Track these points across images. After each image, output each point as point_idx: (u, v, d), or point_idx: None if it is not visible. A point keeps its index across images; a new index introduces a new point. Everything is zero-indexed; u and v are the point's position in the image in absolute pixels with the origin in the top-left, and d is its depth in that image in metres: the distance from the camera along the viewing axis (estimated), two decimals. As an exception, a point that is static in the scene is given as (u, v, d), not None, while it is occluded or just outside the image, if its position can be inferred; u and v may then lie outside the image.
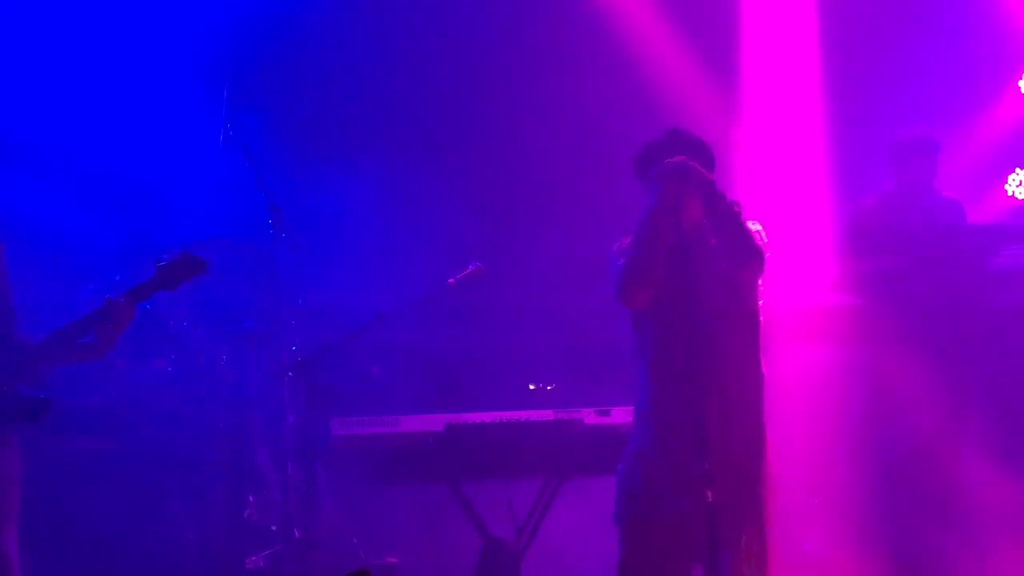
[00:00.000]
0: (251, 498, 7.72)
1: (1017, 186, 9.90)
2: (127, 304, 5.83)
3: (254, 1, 8.97)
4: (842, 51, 9.31)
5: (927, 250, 7.67)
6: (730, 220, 5.09)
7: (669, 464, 5.09)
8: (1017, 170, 9.90)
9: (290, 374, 7.60)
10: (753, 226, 5.24)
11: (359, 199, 9.06)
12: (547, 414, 7.08)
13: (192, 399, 7.72)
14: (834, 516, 7.54)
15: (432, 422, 6.95)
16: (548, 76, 9.40)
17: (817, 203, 8.67)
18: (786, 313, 7.71)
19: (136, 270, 7.78)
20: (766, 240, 5.29)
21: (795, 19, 9.29)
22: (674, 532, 5.07)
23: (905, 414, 7.56)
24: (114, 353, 7.65)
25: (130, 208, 8.57)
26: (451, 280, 7.42)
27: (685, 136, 5.29)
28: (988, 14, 9.67)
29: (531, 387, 8.32)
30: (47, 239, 8.20)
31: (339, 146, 9.17)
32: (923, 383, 7.50)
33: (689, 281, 5.06)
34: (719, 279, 5.13)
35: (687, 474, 4.95)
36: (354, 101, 9.24)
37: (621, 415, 6.61)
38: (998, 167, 9.84)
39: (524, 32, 9.44)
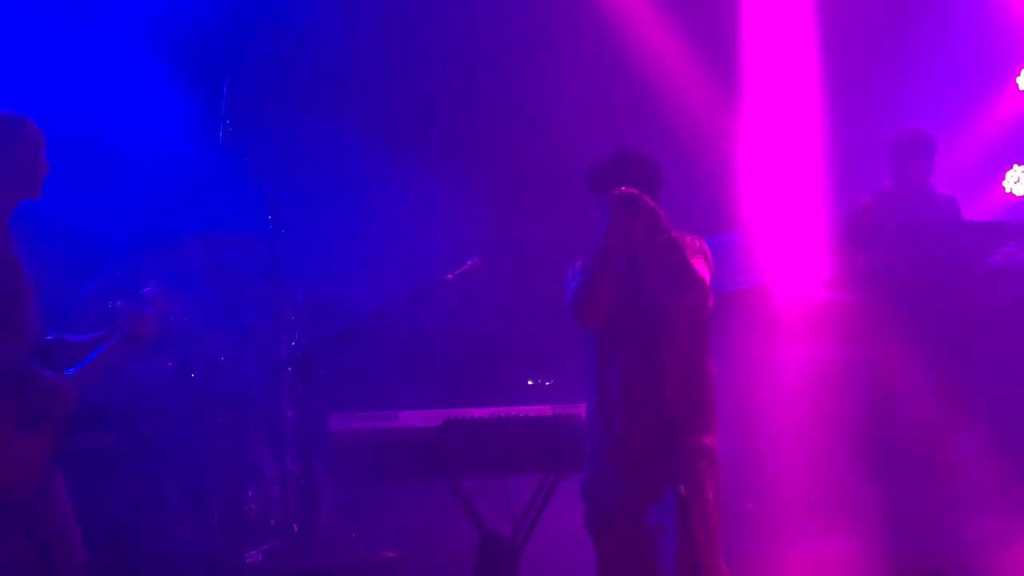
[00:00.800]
0: (250, 493, 7.73)
1: (1015, 183, 9.93)
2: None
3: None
4: (840, 48, 9.33)
5: (924, 247, 7.69)
6: (669, 253, 5.32)
7: (636, 460, 5.37)
8: (1015, 167, 9.93)
9: (289, 369, 7.61)
10: (696, 245, 5.46)
11: (358, 194, 9.09)
12: (545, 409, 7.10)
13: (191, 394, 7.73)
14: (831, 512, 7.54)
15: (431, 417, 6.96)
16: (549, 72, 9.43)
17: (815, 199, 8.69)
18: (783, 309, 7.74)
19: (139, 265, 7.84)
20: (709, 257, 5.49)
21: (794, 17, 9.30)
22: (645, 529, 5.33)
23: (902, 410, 7.57)
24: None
25: (132, 204, 8.59)
26: (449, 275, 7.42)
27: (633, 156, 5.53)
28: (986, 11, 9.69)
29: (529, 382, 8.34)
30: (50, 234, 8.21)
31: (339, 142, 9.18)
32: (920, 379, 7.51)
33: (637, 298, 5.41)
34: (658, 303, 5.41)
35: (656, 468, 5.28)
36: (353, 96, 9.25)
37: (619, 411, 6.61)
38: (996, 164, 9.87)
39: (526, 28, 9.47)
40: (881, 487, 7.58)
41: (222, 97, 7.76)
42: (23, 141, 5.51)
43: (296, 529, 7.41)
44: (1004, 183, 9.92)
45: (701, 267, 5.37)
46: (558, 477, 6.90)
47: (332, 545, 7.48)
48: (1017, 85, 9.86)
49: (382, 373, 8.45)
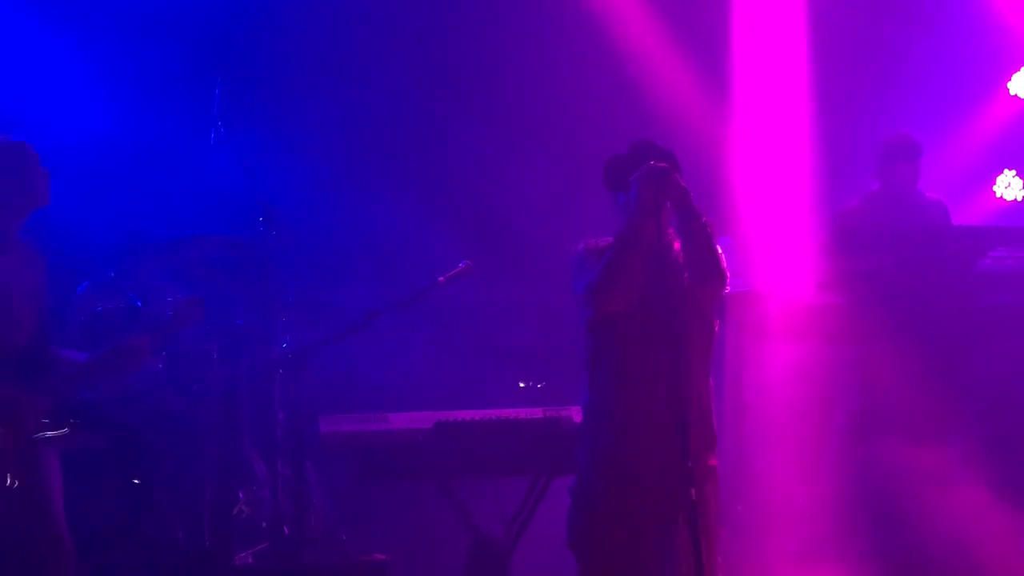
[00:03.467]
0: (241, 495, 7.72)
1: (1005, 187, 9.95)
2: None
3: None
4: (831, 52, 9.35)
5: (912, 250, 7.71)
6: (699, 238, 5.11)
7: (644, 465, 5.11)
8: (1005, 171, 9.95)
9: (280, 371, 7.61)
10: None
11: (350, 197, 9.09)
12: (536, 412, 7.11)
13: (183, 396, 7.72)
14: (820, 513, 7.56)
15: (421, 419, 6.97)
16: (539, 77, 9.44)
17: (804, 203, 8.71)
18: (773, 313, 7.76)
19: (130, 267, 7.85)
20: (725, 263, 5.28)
21: (785, 22, 9.32)
22: (646, 534, 5.11)
23: (891, 413, 7.59)
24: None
25: (123, 205, 8.59)
26: (441, 278, 7.43)
27: (656, 147, 5.29)
28: (977, 16, 9.71)
29: (521, 385, 8.35)
30: (41, 236, 8.20)
31: (332, 144, 9.19)
32: (909, 382, 7.52)
33: (659, 286, 5.07)
34: (681, 289, 5.14)
35: (666, 473, 5.01)
36: (344, 100, 9.26)
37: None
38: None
39: (517, 31, 9.47)
40: (869, 489, 7.59)
41: (214, 98, 7.77)
42: (26, 164, 5.79)
43: (286, 531, 7.41)
44: (994, 188, 9.95)
45: (723, 262, 5.15)
46: (549, 479, 6.92)
47: (322, 547, 7.47)
48: (1008, 90, 9.88)
49: (373, 375, 8.45)
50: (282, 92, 9.18)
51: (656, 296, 5.10)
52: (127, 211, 8.50)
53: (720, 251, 5.24)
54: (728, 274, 5.20)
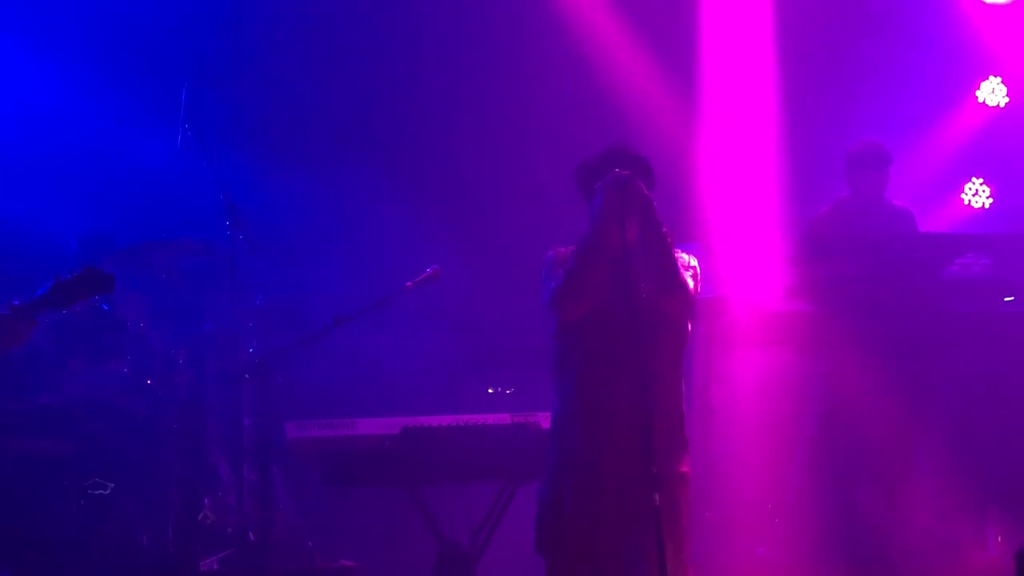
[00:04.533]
0: (206, 501, 7.68)
1: (972, 195, 10.00)
2: (13, 318, 5.60)
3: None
4: (800, 60, 9.38)
5: (880, 257, 7.72)
6: (658, 249, 5.13)
7: (610, 468, 5.13)
8: (973, 179, 10.00)
9: (247, 376, 7.57)
10: (687, 260, 5.28)
11: (317, 202, 9.06)
12: (504, 418, 7.08)
13: (149, 401, 7.69)
14: (789, 520, 7.56)
15: (388, 425, 6.93)
16: (507, 83, 9.43)
17: (773, 210, 8.72)
18: (742, 319, 7.76)
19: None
20: (698, 275, 5.32)
21: (754, 29, 9.34)
22: (611, 542, 5.12)
23: (859, 419, 7.61)
24: (70, 354, 7.68)
25: (88, 209, 8.54)
26: (409, 283, 7.41)
27: (627, 152, 5.32)
28: (946, 25, 9.76)
29: (490, 391, 8.33)
30: (4, 239, 8.16)
31: (298, 149, 9.16)
32: (877, 389, 7.54)
33: (624, 293, 5.10)
34: (650, 305, 5.15)
35: (632, 477, 5.03)
36: (313, 103, 9.23)
37: (577, 419, 6.60)
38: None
39: (487, 35, 9.46)
40: (838, 495, 7.60)
41: (181, 102, 7.73)
42: None
43: (252, 537, 7.36)
44: (962, 195, 9.99)
45: (686, 276, 5.18)
46: (516, 485, 6.90)
47: (289, 553, 7.45)
48: (976, 98, 9.93)
49: (340, 381, 8.41)
50: (249, 95, 9.13)
51: (621, 302, 5.12)
52: (94, 214, 8.46)
53: (687, 261, 5.26)
54: (688, 285, 5.20)
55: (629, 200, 5.09)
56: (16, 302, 5.60)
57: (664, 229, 5.16)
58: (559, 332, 5.32)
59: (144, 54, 8.84)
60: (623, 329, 5.11)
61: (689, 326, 5.33)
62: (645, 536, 4.97)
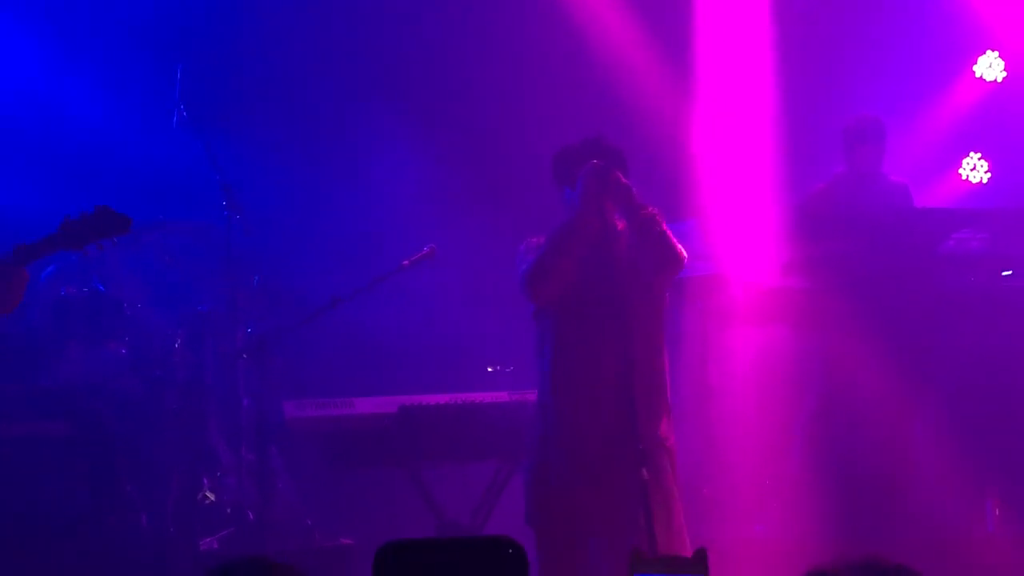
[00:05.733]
0: (205, 480, 7.70)
1: (971, 170, 9.99)
2: (14, 261, 5.33)
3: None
4: (796, 34, 9.34)
5: (876, 233, 7.72)
6: (648, 228, 5.31)
7: (593, 438, 5.28)
8: (971, 154, 9.98)
9: (244, 357, 7.58)
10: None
11: (313, 181, 9.05)
12: (502, 395, 7.11)
13: (147, 382, 7.70)
14: (787, 497, 7.57)
15: (386, 404, 6.96)
16: (503, 65, 9.41)
17: (769, 186, 8.70)
18: (738, 297, 7.76)
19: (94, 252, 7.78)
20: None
21: (749, 4, 9.30)
22: (599, 513, 5.27)
23: (857, 396, 7.61)
24: (68, 336, 7.68)
25: (84, 190, 8.52)
26: (406, 261, 7.41)
27: (603, 144, 5.49)
28: (943, -1, 9.73)
29: (489, 369, 8.34)
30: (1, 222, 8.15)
31: (293, 129, 9.15)
32: (874, 365, 7.54)
33: (604, 273, 5.31)
34: (636, 278, 5.36)
35: (614, 447, 5.18)
36: (310, 85, 9.21)
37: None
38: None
39: (483, 22, 9.43)
40: (836, 472, 7.61)
41: (176, 82, 7.72)
42: None
43: (251, 517, 7.39)
44: (960, 170, 9.98)
45: (681, 248, 5.38)
46: (515, 464, 6.91)
47: (288, 532, 7.46)
48: (973, 72, 9.91)
49: (338, 360, 8.42)
50: (245, 76, 9.12)
51: (602, 284, 5.31)
52: (90, 196, 8.44)
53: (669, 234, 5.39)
54: (684, 255, 5.38)
55: (607, 188, 5.28)
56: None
57: (649, 209, 5.34)
58: (536, 314, 5.53)
59: (137, 32, 8.81)
60: (601, 307, 5.30)
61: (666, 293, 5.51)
62: (632, 507, 5.09)
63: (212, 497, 7.62)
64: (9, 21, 8.63)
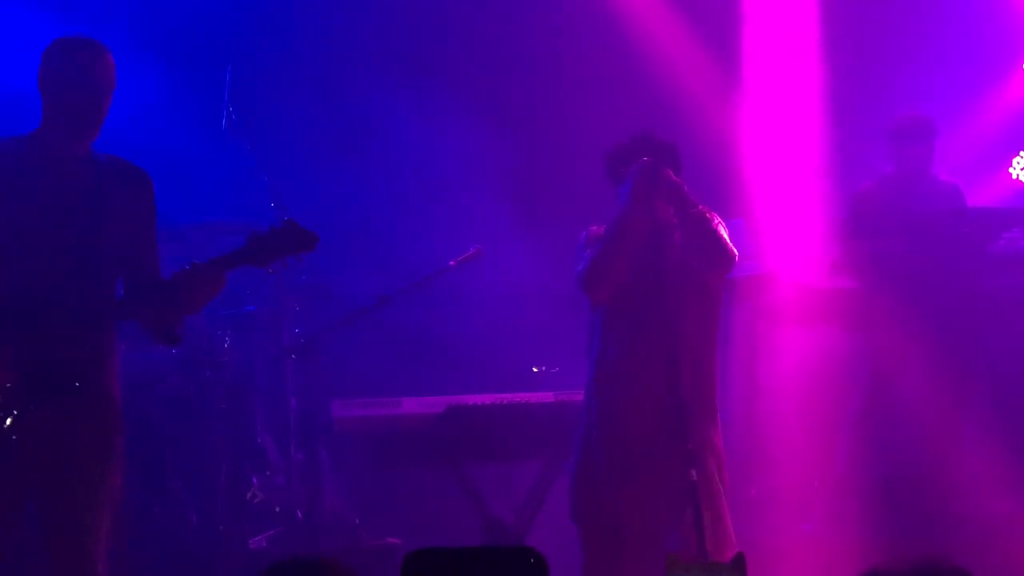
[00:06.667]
0: (254, 480, 7.75)
1: (1021, 169, 9.89)
2: (211, 269, 5.12)
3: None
4: (844, 33, 9.28)
5: (926, 233, 7.67)
6: (699, 226, 5.26)
7: (640, 439, 5.26)
8: (1021, 153, 9.89)
9: (292, 357, 7.63)
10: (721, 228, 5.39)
11: (361, 181, 9.08)
12: (547, 396, 7.12)
13: (196, 383, 7.74)
14: (834, 496, 7.53)
15: (433, 404, 6.99)
16: (556, 63, 9.40)
17: (818, 186, 8.67)
18: (787, 296, 7.73)
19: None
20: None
21: (797, 1, 9.27)
22: (641, 512, 5.26)
23: (905, 396, 7.57)
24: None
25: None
26: (452, 262, 7.43)
27: (655, 140, 5.47)
28: (994, -5, 9.64)
29: (535, 369, 8.34)
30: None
31: (342, 126, 9.18)
32: (923, 365, 7.50)
33: (656, 272, 5.28)
34: (687, 276, 5.33)
35: (662, 449, 5.17)
36: (353, 85, 9.24)
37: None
38: (1002, 150, 9.82)
39: (534, 19, 9.43)
40: (883, 472, 7.58)
41: (225, 84, 7.77)
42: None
43: (300, 516, 7.43)
44: (1010, 169, 9.88)
45: (733, 247, 5.34)
46: (561, 464, 6.91)
47: (336, 531, 7.50)
48: (1024, 70, 9.82)
49: (385, 360, 8.45)
50: (289, 76, 9.16)
51: (652, 281, 5.28)
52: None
53: (723, 232, 5.34)
54: (735, 253, 5.34)
55: (658, 186, 5.24)
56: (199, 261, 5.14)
57: (700, 207, 5.29)
58: (591, 310, 5.50)
59: (188, 31, 8.87)
60: (651, 306, 5.27)
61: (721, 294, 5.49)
62: (675, 508, 5.10)
63: (261, 496, 7.67)
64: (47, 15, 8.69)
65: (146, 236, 5.00)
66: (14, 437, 4.67)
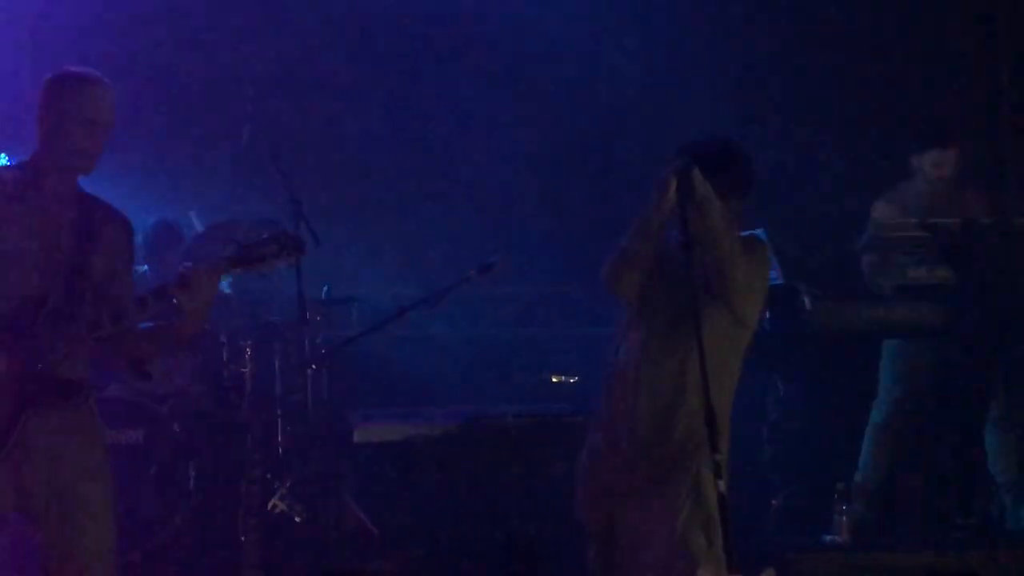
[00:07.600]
0: (276, 490, 7.76)
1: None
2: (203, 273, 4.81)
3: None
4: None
5: (946, 242, 7.62)
6: (709, 251, 4.95)
7: (622, 457, 5.12)
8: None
9: (313, 367, 7.64)
10: (749, 252, 5.08)
11: (382, 192, 9.10)
12: (567, 408, 7.13)
13: (218, 392, 7.77)
14: (856, 506, 7.50)
15: (455, 415, 7.00)
16: (579, 69, 9.41)
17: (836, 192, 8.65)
18: (807, 305, 7.70)
19: (160, 255, 7.90)
20: (769, 262, 5.23)
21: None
22: (627, 510, 5.11)
23: (928, 404, 7.57)
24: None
25: (155, 199, 8.63)
26: (472, 271, 7.44)
27: (697, 146, 5.11)
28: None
29: (553, 379, 8.35)
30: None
31: (361, 139, 9.20)
32: (947, 373, 7.49)
33: (682, 282, 4.89)
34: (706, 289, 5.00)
35: (640, 454, 5.05)
36: (377, 94, 9.27)
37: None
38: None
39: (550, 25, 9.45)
40: (906, 482, 7.56)
41: (247, 98, 7.80)
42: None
43: (320, 527, 7.44)
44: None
45: (744, 274, 4.98)
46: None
47: (357, 543, 7.51)
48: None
49: (406, 371, 8.46)
50: (316, 89, 9.20)
51: (668, 289, 5.04)
52: (159, 205, 8.55)
53: (735, 261, 5.03)
54: (740, 292, 5.01)
55: (684, 191, 4.88)
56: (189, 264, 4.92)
57: (722, 227, 4.95)
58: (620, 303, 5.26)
59: (214, 35, 8.92)
60: (666, 316, 5.06)
61: (754, 320, 5.17)
62: (657, 514, 4.98)
63: (283, 507, 7.68)
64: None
65: (125, 278, 4.99)
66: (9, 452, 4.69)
